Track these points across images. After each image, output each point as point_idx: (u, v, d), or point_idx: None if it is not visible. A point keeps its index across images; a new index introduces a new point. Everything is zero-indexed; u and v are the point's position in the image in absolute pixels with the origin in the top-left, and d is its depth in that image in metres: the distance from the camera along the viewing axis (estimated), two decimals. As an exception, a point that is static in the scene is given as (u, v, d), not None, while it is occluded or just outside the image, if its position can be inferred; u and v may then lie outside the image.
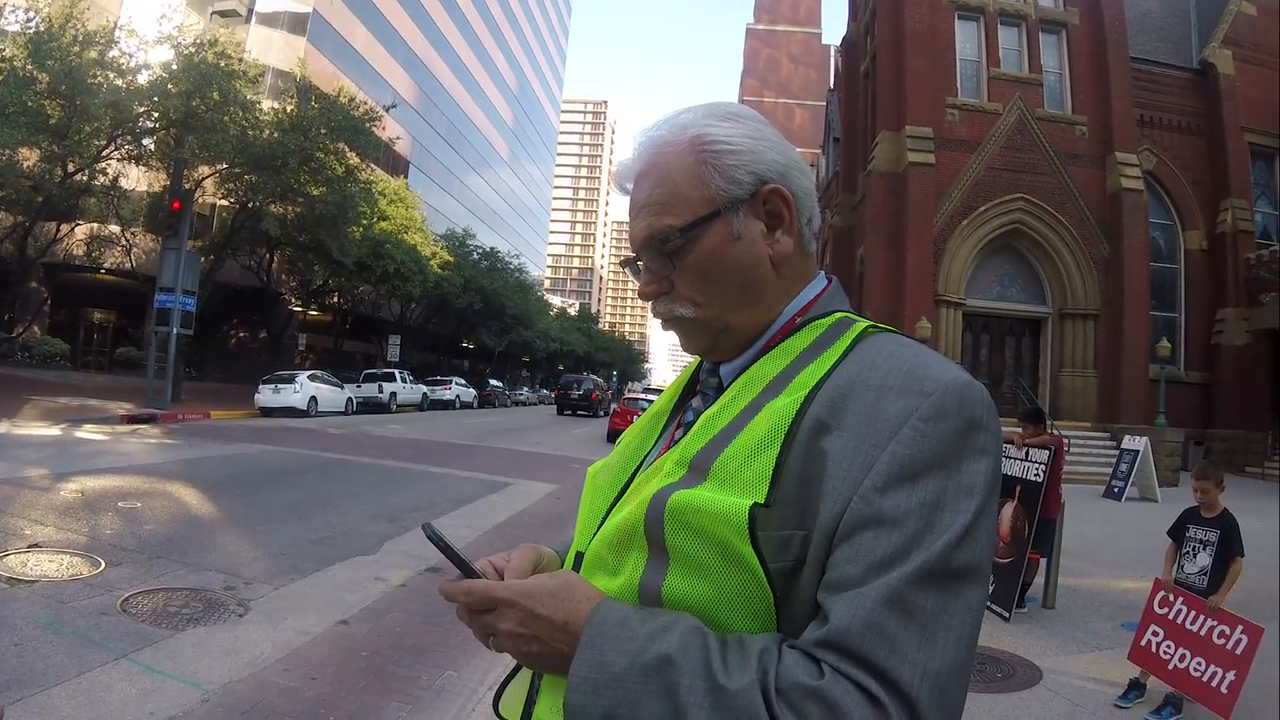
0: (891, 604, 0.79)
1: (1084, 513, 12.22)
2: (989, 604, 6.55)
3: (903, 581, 0.80)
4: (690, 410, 1.09)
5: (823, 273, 1.09)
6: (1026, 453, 7.15)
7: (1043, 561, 7.01)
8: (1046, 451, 6.99)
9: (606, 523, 1.00)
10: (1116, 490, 15.94)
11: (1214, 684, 4.38)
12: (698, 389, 1.12)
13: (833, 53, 52.88)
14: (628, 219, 1.08)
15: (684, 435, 1.01)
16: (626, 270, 1.11)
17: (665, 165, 1.02)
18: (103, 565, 6.07)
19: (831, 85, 42.61)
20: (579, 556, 1.03)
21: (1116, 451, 17.79)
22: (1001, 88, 24.43)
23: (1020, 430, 7.54)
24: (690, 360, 1.18)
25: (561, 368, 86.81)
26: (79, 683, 4.06)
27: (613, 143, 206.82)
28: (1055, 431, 13.33)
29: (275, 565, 6.68)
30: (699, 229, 1.00)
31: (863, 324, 0.99)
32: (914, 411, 0.85)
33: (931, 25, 24.37)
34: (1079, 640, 6.10)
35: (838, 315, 1.02)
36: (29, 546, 6.42)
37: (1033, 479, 6.94)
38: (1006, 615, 6.42)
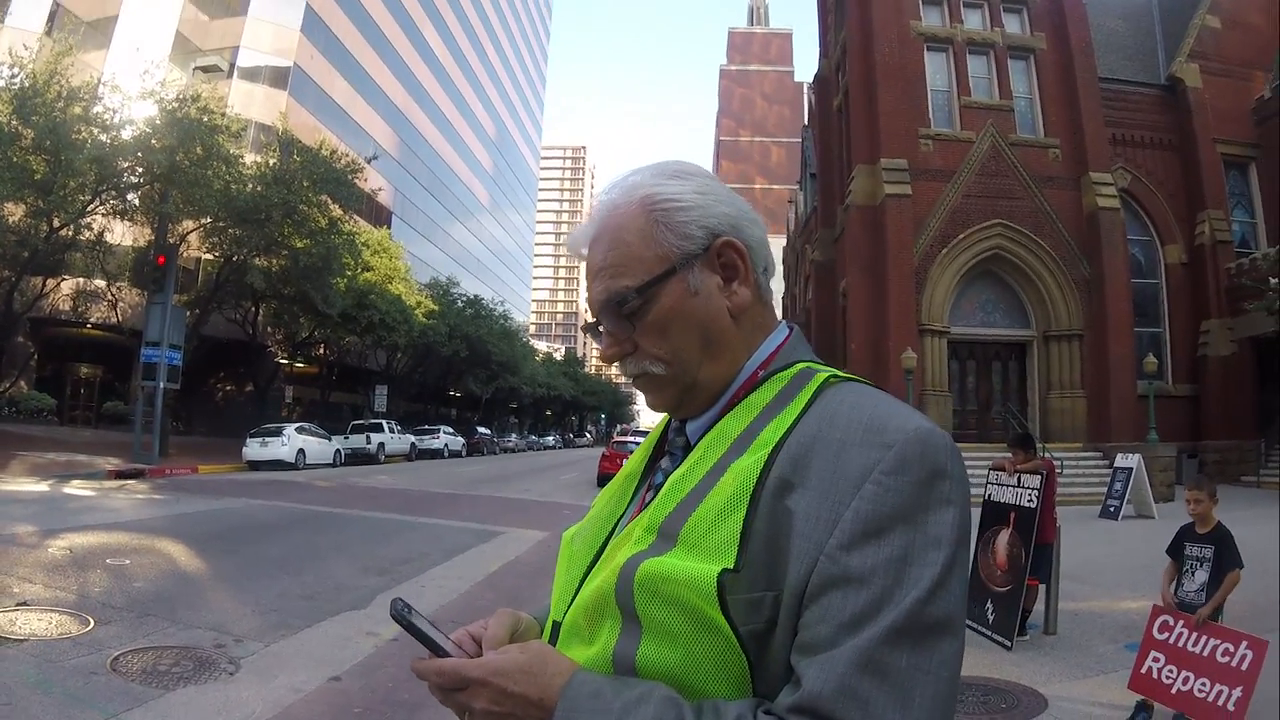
0: (864, 665, 0.78)
1: (1081, 534, 12.21)
2: (990, 634, 6.50)
3: (874, 641, 0.79)
4: (660, 471, 1.08)
5: (784, 322, 1.09)
6: (1018, 479, 7.11)
7: (1042, 587, 6.97)
8: (1038, 476, 6.94)
9: (581, 592, 1.00)
10: (1112, 509, 15.93)
11: (1220, 703, 4.34)
12: (666, 448, 1.11)
13: (806, 90, 53.72)
14: (586, 284, 1.08)
15: (654, 498, 1.00)
16: (589, 335, 1.11)
17: (618, 227, 1.02)
18: (92, 623, 6.00)
19: (806, 122, 43.16)
20: (555, 626, 1.02)
21: (1110, 470, 17.81)
22: (973, 115, 24.82)
23: (1010, 456, 7.52)
24: (661, 419, 1.17)
25: (549, 413, 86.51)
26: (65, 751, 3.97)
27: (593, 187, 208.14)
28: (1046, 455, 13.33)
29: (265, 621, 6.58)
30: (655, 287, 1.00)
31: (824, 374, 0.98)
32: (876, 465, 0.84)
33: (901, 58, 24.79)
34: (1083, 665, 6.04)
35: (800, 366, 1.01)
36: (17, 605, 6.35)
37: (1026, 505, 6.89)
38: (1008, 644, 6.35)
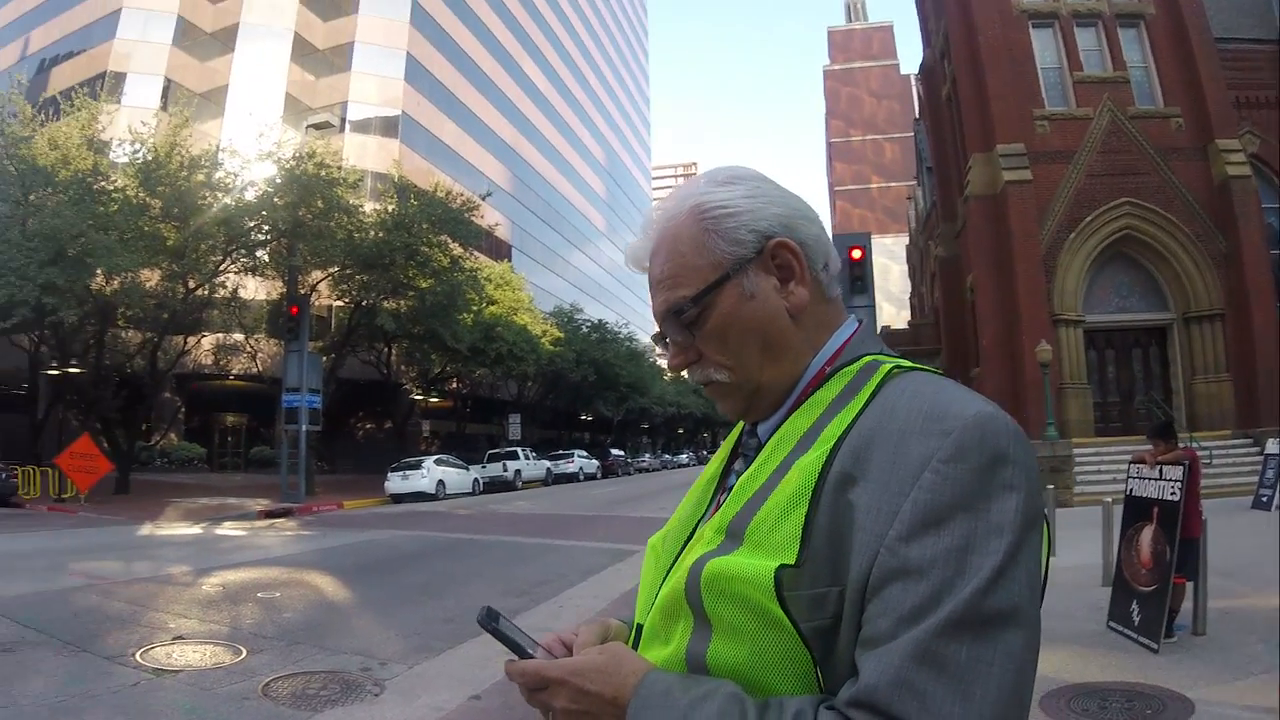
0: (921, 657, 0.78)
1: (1231, 527, 11.47)
2: (1136, 637, 6.22)
3: (931, 633, 0.78)
4: (734, 474, 1.10)
5: (852, 316, 1.10)
6: (1160, 471, 6.78)
7: (1189, 585, 6.62)
8: (1180, 467, 6.60)
9: (659, 593, 1.03)
10: (1265, 499, 14.84)
11: None
12: (740, 451, 1.14)
13: (913, 82, 52.23)
14: (650, 296, 1.11)
15: (727, 499, 1.03)
16: (658, 346, 1.15)
17: (672, 238, 1.06)
18: (244, 653, 6.34)
19: (917, 114, 42.13)
20: (639, 629, 1.06)
21: (1261, 458, 16.66)
22: (1088, 91, 23.62)
23: (1150, 448, 7.19)
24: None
25: (681, 431, 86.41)
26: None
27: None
28: (1190, 444, 12.63)
29: (409, 645, 6.87)
30: (711, 295, 1.02)
31: (888, 365, 0.99)
32: (934, 454, 0.84)
33: (1006, 38, 23.83)
34: (1233, 667, 5.71)
35: (866, 359, 1.02)
36: (174, 639, 6.75)
37: (1169, 498, 6.52)
38: (1155, 646, 6.05)
